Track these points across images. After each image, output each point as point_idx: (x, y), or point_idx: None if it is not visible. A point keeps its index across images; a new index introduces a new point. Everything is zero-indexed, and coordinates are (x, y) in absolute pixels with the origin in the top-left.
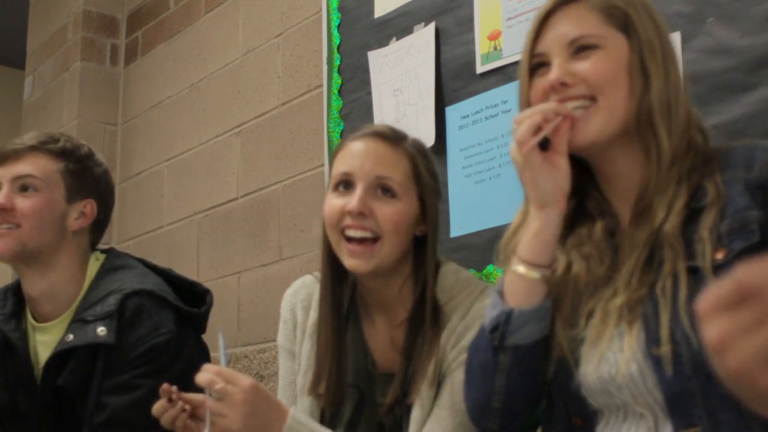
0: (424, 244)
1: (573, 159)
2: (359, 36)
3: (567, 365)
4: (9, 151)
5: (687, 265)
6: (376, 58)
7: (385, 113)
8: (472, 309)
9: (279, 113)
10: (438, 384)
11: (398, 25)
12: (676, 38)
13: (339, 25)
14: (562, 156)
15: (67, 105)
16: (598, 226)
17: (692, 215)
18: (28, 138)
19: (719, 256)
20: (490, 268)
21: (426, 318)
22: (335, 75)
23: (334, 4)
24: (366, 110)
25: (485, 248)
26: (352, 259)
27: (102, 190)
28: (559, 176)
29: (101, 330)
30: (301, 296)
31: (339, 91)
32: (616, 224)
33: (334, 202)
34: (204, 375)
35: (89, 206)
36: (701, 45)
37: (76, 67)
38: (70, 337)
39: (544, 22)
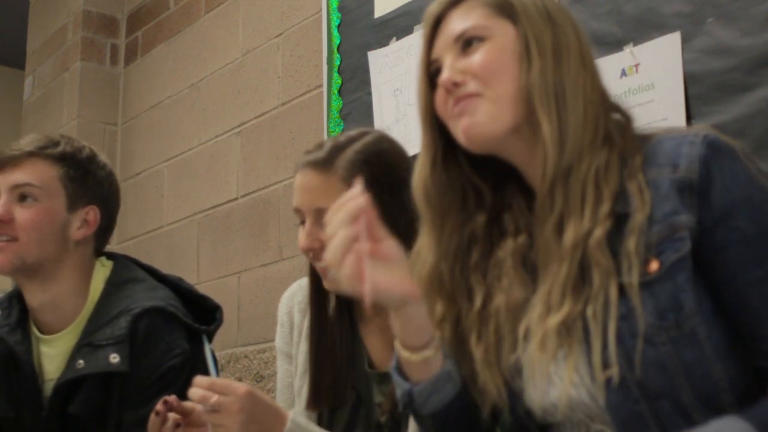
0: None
1: (495, 165)
2: (359, 36)
3: (512, 394)
4: (6, 157)
5: (618, 281)
6: (376, 58)
7: (385, 113)
8: None
9: (279, 113)
10: None
11: (398, 25)
12: (676, 38)
13: (339, 25)
14: (385, 239)
15: (67, 105)
16: (509, 248)
17: (618, 221)
18: (27, 143)
19: (653, 267)
20: None
21: None
22: (335, 75)
23: (334, 4)
24: (366, 110)
25: None
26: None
27: (106, 195)
28: (395, 266)
29: (114, 357)
30: (298, 298)
31: (339, 91)
32: (533, 236)
33: (299, 237)
34: (196, 391)
35: (92, 213)
36: (701, 45)
37: (76, 67)
38: (81, 363)
39: (435, 28)
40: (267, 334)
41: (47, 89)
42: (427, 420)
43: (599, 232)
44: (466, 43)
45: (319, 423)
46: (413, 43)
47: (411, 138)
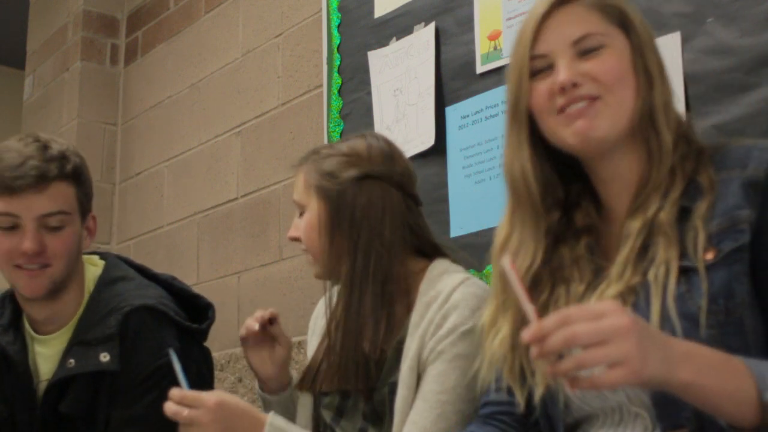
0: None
1: (564, 165)
2: (359, 36)
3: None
4: (26, 182)
5: (678, 265)
6: (376, 58)
7: (385, 113)
8: (451, 298)
9: (279, 113)
10: (419, 373)
11: (398, 25)
12: (676, 38)
13: (339, 25)
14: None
15: (67, 105)
16: (582, 244)
17: (683, 212)
18: (36, 160)
19: (709, 256)
20: (489, 268)
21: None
22: (335, 75)
23: (334, 4)
24: (366, 110)
25: (485, 248)
26: None
27: (92, 194)
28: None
29: (104, 356)
30: (324, 302)
31: (339, 91)
32: (599, 238)
33: None
34: (169, 406)
35: (92, 221)
36: (701, 45)
37: (76, 67)
38: (72, 362)
39: (541, 24)
40: None
41: (47, 89)
42: None
43: (669, 209)
44: (586, 48)
45: (314, 408)
46: (413, 43)
47: (410, 138)
